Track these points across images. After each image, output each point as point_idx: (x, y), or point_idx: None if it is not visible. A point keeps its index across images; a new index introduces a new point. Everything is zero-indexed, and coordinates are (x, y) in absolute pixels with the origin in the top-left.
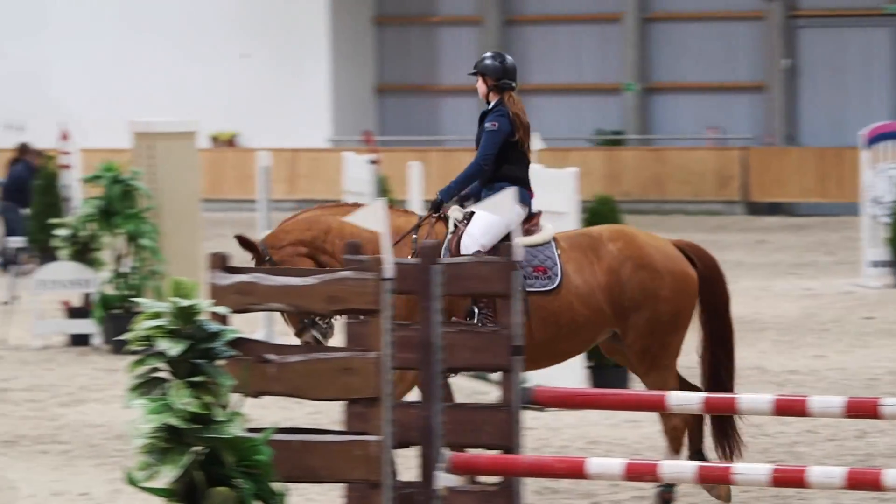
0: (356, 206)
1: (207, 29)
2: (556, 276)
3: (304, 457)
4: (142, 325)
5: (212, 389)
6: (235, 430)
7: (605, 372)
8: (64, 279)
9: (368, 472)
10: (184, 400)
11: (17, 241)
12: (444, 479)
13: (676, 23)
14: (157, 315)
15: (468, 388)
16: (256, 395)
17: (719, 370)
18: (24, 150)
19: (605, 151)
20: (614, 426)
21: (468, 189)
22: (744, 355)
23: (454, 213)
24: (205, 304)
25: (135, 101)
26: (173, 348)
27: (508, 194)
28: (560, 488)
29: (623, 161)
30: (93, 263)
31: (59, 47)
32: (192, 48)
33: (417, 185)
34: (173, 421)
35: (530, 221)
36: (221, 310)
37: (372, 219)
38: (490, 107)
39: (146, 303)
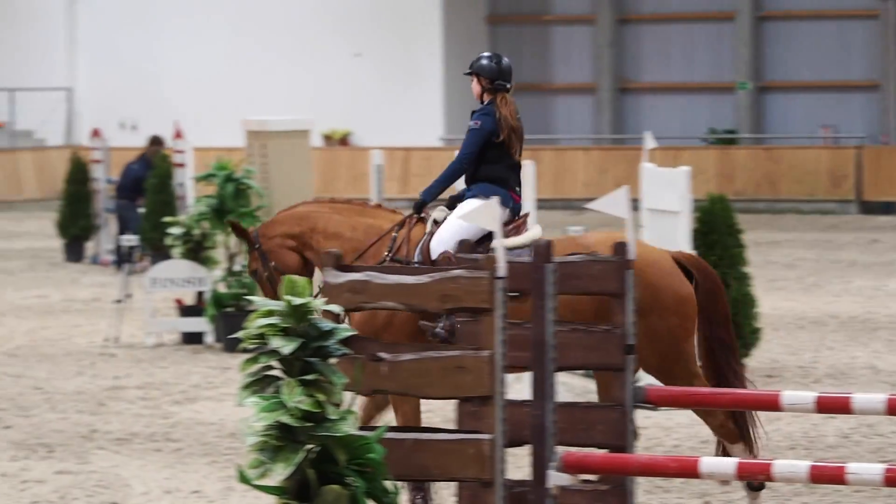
0: (350, 202)
1: (321, 28)
2: None
3: (416, 455)
4: (255, 324)
5: (324, 388)
6: (348, 428)
7: None
8: (177, 277)
9: (481, 470)
10: (296, 398)
11: (130, 240)
12: (556, 478)
13: (790, 21)
14: (270, 313)
15: (580, 387)
16: (369, 393)
17: (728, 376)
18: (156, 142)
19: (718, 150)
20: None
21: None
22: (856, 355)
23: (436, 213)
24: (317, 303)
25: (248, 99)
26: (286, 346)
27: (493, 203)
28: (672, 487)
29: (736, 160)
30: (206, 262)
31: (173, 47)
32: (306, 47)
33: (530, 184)
34: (286, 419)
35: (513, 223)
36: (334, 308)
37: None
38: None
39: (259, 301)
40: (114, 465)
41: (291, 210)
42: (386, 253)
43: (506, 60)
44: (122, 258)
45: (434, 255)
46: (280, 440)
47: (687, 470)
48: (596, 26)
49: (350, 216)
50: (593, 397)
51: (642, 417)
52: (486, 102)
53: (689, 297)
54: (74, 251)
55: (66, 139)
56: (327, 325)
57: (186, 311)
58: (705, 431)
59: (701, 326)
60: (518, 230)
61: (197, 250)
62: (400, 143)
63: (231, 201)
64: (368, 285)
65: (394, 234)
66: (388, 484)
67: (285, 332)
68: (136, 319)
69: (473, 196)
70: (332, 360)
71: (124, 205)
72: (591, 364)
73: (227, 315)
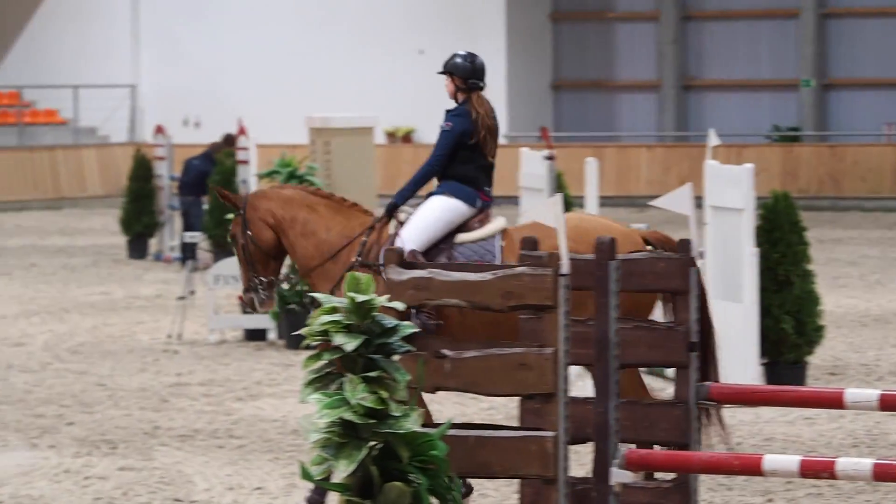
0: (331, 196)
1: (384, 25)
2: None
3: (478, 452)
4: (318, 321)
5: (387, 384)
6: (411, 425)
7: (780, 368)
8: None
9: (543, 467)
10: (359, 395)
11: (194, 237)
12: (620, 476)
13: (854, 18)
14: (333, 310)
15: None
16: (432, 390)
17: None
18: (228, 140)
19: (782, 148)
20: (790, 423)
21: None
22: None
23: (401, 214)
24: (380, 300)
25: (311, 96)
26: (349, 343)
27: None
28: (734, 485)
29: (799, 157)
30: None
31: (236, 43)
32: (369, 44)
33: (593, 182)
34: (349, 416)
35: (478, 217)
36: (397, 305)
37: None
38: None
39: (322, 298)
40: (176, 461)
41: (282, 189)
42: (355, 258)
43: (479, 59)
44: (186, 255)
45: None
46: (343, 437)
47: (750, 467)
48: (659, 23)
49: (328, 215)
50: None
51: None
52: (460, 102)
53: None
54: (138, 248)
55: (130, 136)
56: (390, 321)
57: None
58: (768, 429)
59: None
60: (482, 223)
61: None
62: None
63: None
64: (432, 282)
65: (364, 237)
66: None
67: (348, 329)
68: (199, 316)
69: (440, 194)
70: (395, 357)
71: (189, 201)
72: (655, 361)
73: (289, 312)
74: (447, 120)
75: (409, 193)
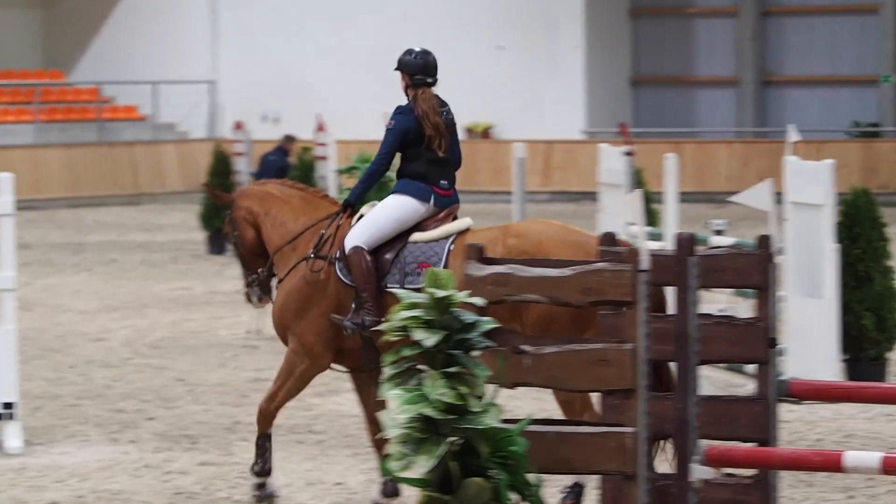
0: (306, 189)
1: (462, 20)
2: None
3: (558, 448)
4: (398, 316)
5: (467, 380)
6: (491, 420)
7: (861, 365)
8: None
9: (623, 463)
10: (439, 390)
11: None
12: (700, 472)
13: None
14: (413, 306)
15: (722, 381)
16: (511, 386)
17: (660, 368)
18: (289, 139)
19: (862, 143)
20: (870, 420)
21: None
22: None
23: (365, 208)
24: (461, 295)
25: (390, 91)
26: (429, 339)
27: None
28: (815, 481)
29: (880, 153)
30: None
31: (314, 39)
32: (448, 40)
33: (672, 177)
34: (429, 411)
35: (436, 217)
36: (477, 300)
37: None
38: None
39: (402, 293)
40: None
41: (260, 186)
42: (311, 250)
43: (431, 56)
44: None
45: (347, 249)
46: (423, 433)
47: (831, 464)
48: (739, 19)
49: (300, 206)
50: (736, 391)
51: (785, 411)
52: (410, 98)
53: None
54: (217, 243)
55: (209, 132)
56: (470, 317)
57: None
58: (850, 425)
59: None
60: (442, 222)
61: None
62: (541, 136)
63: (373, 194)
64: (511, 278)
65: (322, 230)
66: (531, 476)
67: (428, 325)
68: None
69: (394, 192)
70: (476, 353)
71: None
72: (735, 357)
73: None
74: (391, 118)
75: (360, 192)
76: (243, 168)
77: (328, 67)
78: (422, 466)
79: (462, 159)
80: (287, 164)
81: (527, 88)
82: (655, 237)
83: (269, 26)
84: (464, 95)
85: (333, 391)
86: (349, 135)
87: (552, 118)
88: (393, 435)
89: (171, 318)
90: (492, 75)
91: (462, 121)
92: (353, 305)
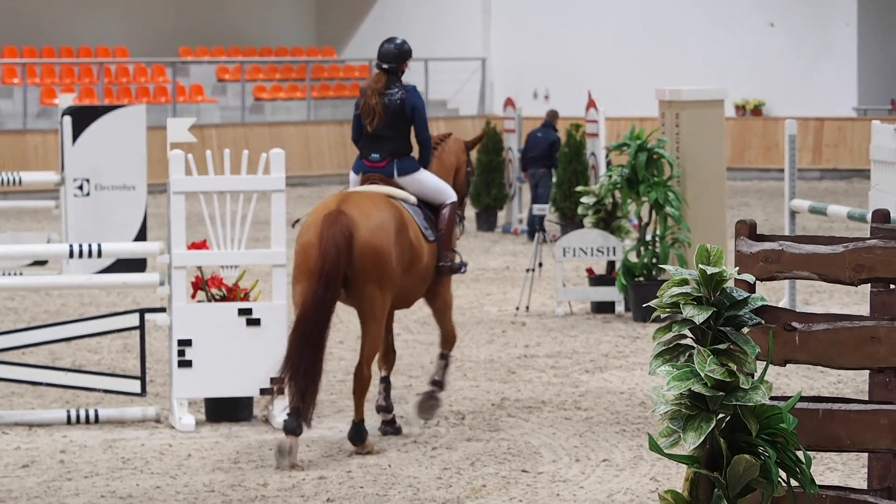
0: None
1: None
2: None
3: (827, 425)
4: (668, 293)
5: (737, 357)
6: (760, 398)
7: None
8: (588, 246)
9: (894, 441)
10: (709, 367)
11: (541, 209)
12: None
13: None
14: (683, 282)
15: None
16: (781, 363)
17: None
18: (553, 116)
19: None
20: None
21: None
22: None
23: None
24: (731, 272)
25: (661, 68)
26: (699, 315)
27: None
28: None
29: None
30: (617, 231)
31: (585, 16)
32: (721, 16)
33: None
34: (698, 388)
35: (361, 182)
36: (747, 277)
37: None
38: None
39: (672, 270)
40: (523, 432)
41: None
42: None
43: (396, 45)
44: (534, 228)
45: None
46: (692, 409)
47: None
48: None
49: None
50: None
51: None
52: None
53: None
54: (487, 220)
55: (480, 109)
56: (740, 293)
57: (597, 280)
58: None
59: None
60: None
61: (608, 219)
62: (813, 114)
63: (643, 171)
64: (782, 255)
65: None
66: (801, 453)
67: (698, 302)
68: (546, 288)
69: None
70: (745, 330)
71: (540, 174)
72: None
73: (637, 284)
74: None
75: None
76: (513, 145)
77: (598, 44)
78: (690, 443)
79: (425, 138)
80: (557, 138)
81: (798, 65)
82: None
83: (539, 4)
84: (734, 72)
85: (601, 368)
86: (619, 112)
87: (823, 95)
88: (662, 412)
89: None
90: (763, 52)
91: (733, 97)
92: None
